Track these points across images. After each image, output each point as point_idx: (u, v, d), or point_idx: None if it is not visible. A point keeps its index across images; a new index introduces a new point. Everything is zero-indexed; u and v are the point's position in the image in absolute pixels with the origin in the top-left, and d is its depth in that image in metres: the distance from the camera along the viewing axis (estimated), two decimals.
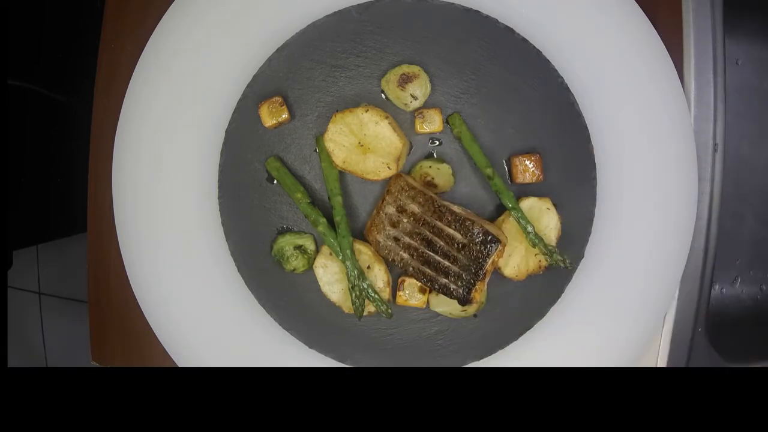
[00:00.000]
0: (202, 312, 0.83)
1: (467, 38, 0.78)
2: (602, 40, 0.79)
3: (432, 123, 0.78)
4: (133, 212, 0.83)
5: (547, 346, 0.80)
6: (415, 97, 0.78)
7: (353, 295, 0.75)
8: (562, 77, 0.77)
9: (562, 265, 0.75)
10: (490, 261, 0.71)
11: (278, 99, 0.78)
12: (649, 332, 0.80)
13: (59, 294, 2.01)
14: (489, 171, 0.76)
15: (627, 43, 0.78)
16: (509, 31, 0.77)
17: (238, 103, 0.80)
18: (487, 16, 0.77)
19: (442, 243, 0.72)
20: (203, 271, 0.83)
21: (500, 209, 0.79)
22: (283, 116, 0.78)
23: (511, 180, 0.79)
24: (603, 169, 0.79)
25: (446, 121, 0.79)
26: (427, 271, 0.73)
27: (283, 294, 0.80)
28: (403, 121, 0.79)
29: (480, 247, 0.71)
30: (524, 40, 0.77)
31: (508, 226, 0.76)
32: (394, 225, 0.74)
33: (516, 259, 0.77)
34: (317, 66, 0.79)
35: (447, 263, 0.72)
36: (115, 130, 0.84)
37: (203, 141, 0.82)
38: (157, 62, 0.82)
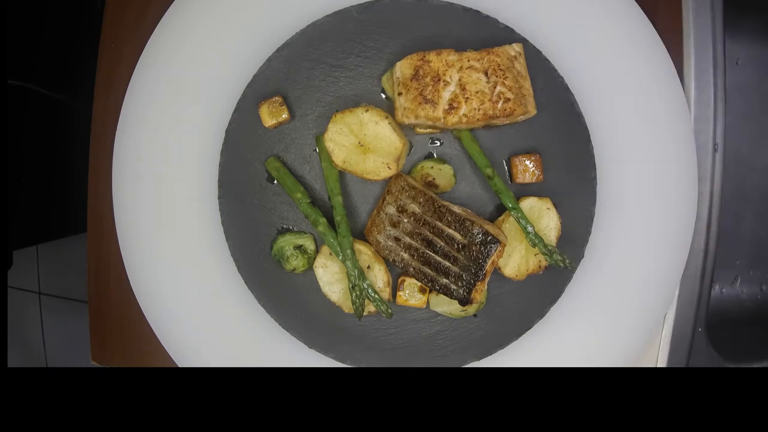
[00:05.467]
0: (202, 312, 0.83)
1: (467, 38, 0.78)
2: (602, 41, 0.79)
3: None
4: (133, 212, 0.83)
5: (547, 346, 0.80)
6: None
7: (353, 295, 0.75)
8: (562, 77, 0.77)
9: (562, 265, 0.75)
10: (490, 261, 0.71)
11: (278, 99, 0.78)
12: (649, 332, 0.80)
13: (59, 294, 2.01)
14: (489, 171, 0.76)
15: (627, 43, 0.78)
16: (509, 31, 0.77)
17: (238, 103, 0.80)
18: (487, 16, 0.77)
19: (442, 243, 0.72)
20: (203, 271, 0.83)
21: (500, 209, 0.79)
22: (283, 116, 0.78)
23: (511, 180, 0.79)
24: (603, 169, 0.79)
25: None
26: (428, 271, 0.73)
27: (283, 294, 0.80)
28: None
29: (480, 247, 0.71)
30: (524, 40, 0.77)
31: (508, 226, 0.76)
32: (394, 225, 0.74)
33: (516, 259, 0.77)
34: (317, 66, 0.79)
35: (447, 263, 0.72)
36: (115, 130, 0.84)
37: (203, 141, 0.82)
38: (157, 62, 0.82)
